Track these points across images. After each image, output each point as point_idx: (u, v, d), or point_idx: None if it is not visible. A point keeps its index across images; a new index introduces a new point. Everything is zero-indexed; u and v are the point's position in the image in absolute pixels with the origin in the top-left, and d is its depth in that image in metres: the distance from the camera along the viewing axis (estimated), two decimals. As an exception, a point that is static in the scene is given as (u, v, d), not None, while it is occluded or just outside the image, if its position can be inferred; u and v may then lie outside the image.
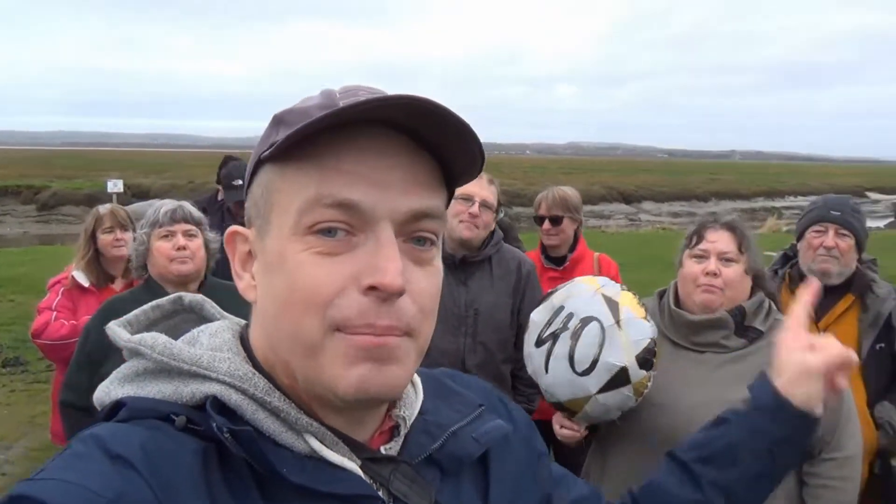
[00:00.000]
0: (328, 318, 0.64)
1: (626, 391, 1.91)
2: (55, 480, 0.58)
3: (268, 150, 0.68)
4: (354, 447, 0.72)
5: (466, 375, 0.95)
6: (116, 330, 0.78)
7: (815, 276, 2.69)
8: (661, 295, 2.25)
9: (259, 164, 0.71)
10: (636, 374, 1.90)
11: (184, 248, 2.39)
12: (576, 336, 1.93)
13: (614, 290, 2.02)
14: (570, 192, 3.52)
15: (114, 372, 0.75)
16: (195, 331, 0.78)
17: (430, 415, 0.79)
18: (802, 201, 46.36)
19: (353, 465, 0.70)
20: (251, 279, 0.73)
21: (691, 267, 2.09)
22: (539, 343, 2.02)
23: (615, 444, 2.12)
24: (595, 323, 1.92)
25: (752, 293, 2.10)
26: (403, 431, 0.76)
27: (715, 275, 2.04)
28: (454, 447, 0.77)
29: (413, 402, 0.79)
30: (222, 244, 3.91)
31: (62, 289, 3.29)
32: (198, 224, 2.49)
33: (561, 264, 3.43)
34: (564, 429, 2.11)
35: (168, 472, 0.60)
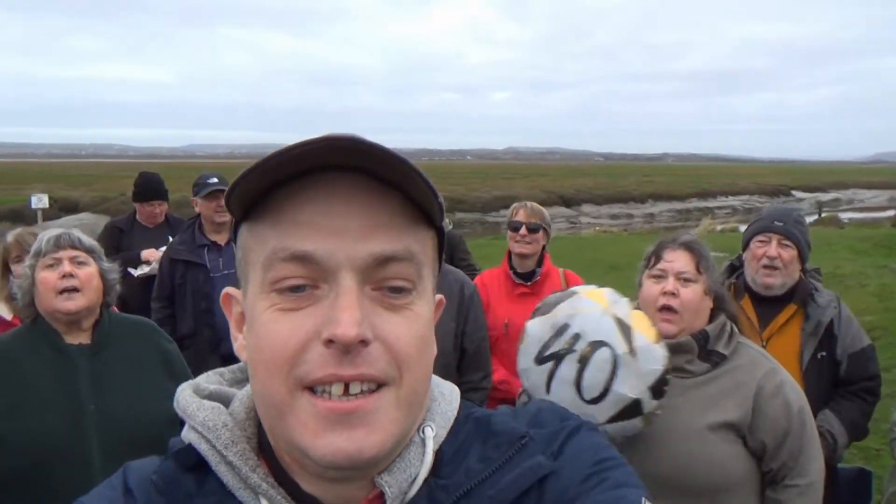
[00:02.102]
0: (293, 376, 0.63)
1: (636, 421, 1.79)
2: (79, 500, 0.71)
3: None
4: None
5: (538, 402, 0.81)
6: (183, 390, 0.77)
7: (759, 288, 2.71)
8: None
9: (237, 229, 0.71)
10: (648, 404, 1.78)
11: (70, 275, 2.09)
12: (584, 361, 1.76)
13: (624, 310, 1.85)
14: (543, 208, 3.56)
15: None
16: None
17: (442, 475, 0.70)
18: (733, 201, 48.14)
19: None
20: (243, 339, 0.71)
21: (650, 288, 2.05)
22: (540, 361, 1.85)
23: None
24: (606, 349, 1.76)
25: (713, 315, 2.06)
26: (390, 501, 0.67)
27: (673, 294, 1.99)
28: None
29: (411, 464, 0.69)
30: (125, 273, 3.58)
31: None
32: (89, 251, 2.19)
33: (530, 279, 3.39)
34: None
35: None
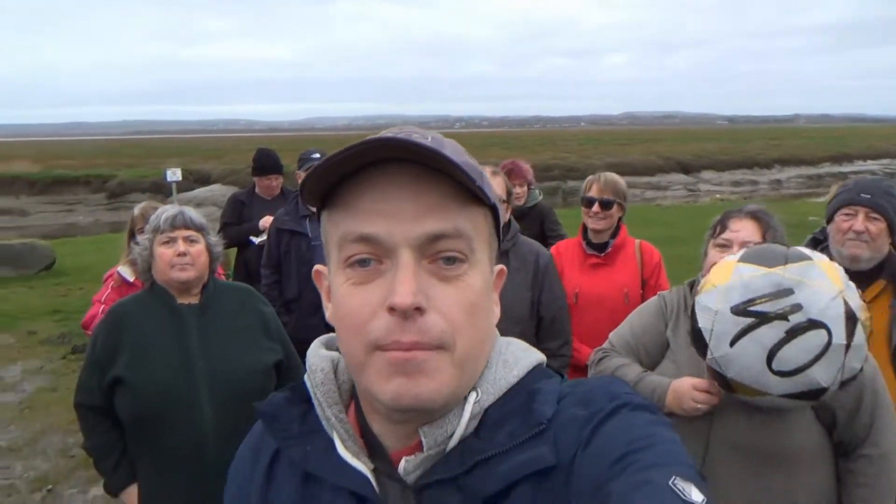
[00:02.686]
0: (366, 340, 0.73)
1: (812, 402, 1.76)
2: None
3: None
4: (378, 454, 0.81)
5: (598, 380, 0.83)
6: (316, 342, 0.92)
7: (845, 261, 2.63)
8: (692, 285, 2.19)
9: (319, 215, 0.83)
10: (832, 392, 1.73)
11: (184, 253, 2.43)
12: (793, 333, 1.66)
13: (856, 300, 1.73)
14: (620, 179, 3.49)
15: None
16: None
17: (481, 438, 0.78)
18: (873, 165, 44.22)
19: (361, 467, 0.79)
20: (331, 308, 0.83)
21: (714, 256, 2.05)
22: (739, 312, 1.73)
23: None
24: (823, 332, 1.66)
25: None
26: (427, 449, 0.77)
27: None
28: (478, 478, 0.76)
29: (450, 421, 0.78)
30: (248, 242, 3.98)
31: (112, 284, 3.51)
32: (199, 230, 2.51)
33: (603, 250, 3.40)
34: (704, 396, 1.95)
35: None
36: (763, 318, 1.69)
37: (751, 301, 1.72)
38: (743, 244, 2.00)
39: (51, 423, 5.56)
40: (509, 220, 2.90)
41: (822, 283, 1.70)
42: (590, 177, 3.51)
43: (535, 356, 0.86)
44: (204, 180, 32.07)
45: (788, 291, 1.69)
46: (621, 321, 3.16)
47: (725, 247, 2.04)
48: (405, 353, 0.72)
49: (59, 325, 8.11)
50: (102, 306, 3.38)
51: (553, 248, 3.51)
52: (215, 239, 2.60)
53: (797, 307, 1.67)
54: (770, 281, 1.72)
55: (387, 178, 0.74)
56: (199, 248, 2.48)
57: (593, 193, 3.37)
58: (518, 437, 0.76)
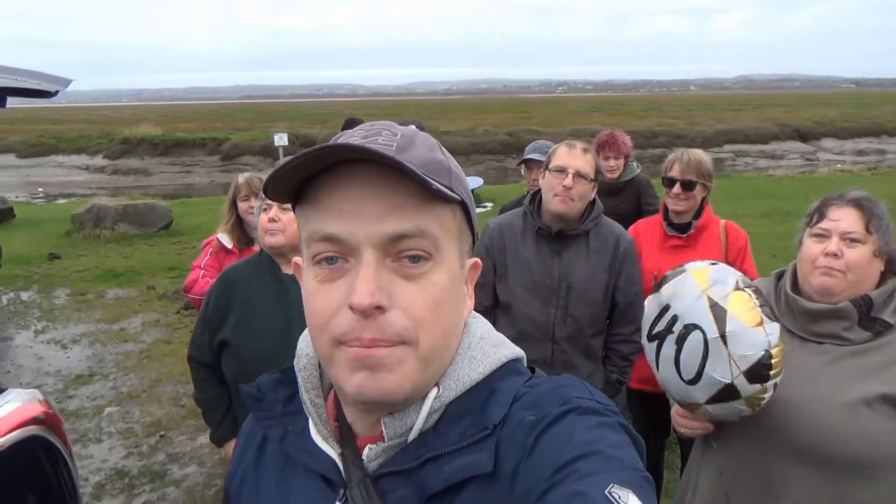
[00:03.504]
0: (330, 335, 0.76)
1: (737, 405, 1.77)
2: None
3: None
4: (346, 441, 0.84)
5: (565, 381, 0.83)
6: None
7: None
8: (779, 277, 2.07)
9: (294, 210, 0.85)
10: (746, 388, 1.73)
11: (274, 220, 2.50)
12: (680, 342, 1.79)
13: (723, 290, 1.77)
14: (705, 156, 3.31)
15: None
16: None
17: (433, 434, 0.80)
18: None
19: (329, 451, 0.84)
20: None
21: (811, 247, 1.91)
22: (649, 338, 1.91)
23: (718, 433, 2.00)
24: (697, 333, 1.75)
25: (883, 280, 1.89)
26: (388, 439, 0.80)
27: (836, 256, 1.84)
28: (427, 474, 0.77)
29: (409, 415, 0.80)
30: None
31: (210, 249, 3.67)
32: None
33: (685, 231, 3.25)
34: (684, 421, 2.01)
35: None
36: (660, 337, 1.85)
37: (651, 325, 1.90)
38: (843, 235, 1.86)
39: (165, 372, 6.05)
40: (594, 199, 2.82)
41: (688, 287, 1.83)
42: (671, 154, 3.34)
43: (505, 352, 0.86)
44: (310, 144, 32.91)
45: (667, 307, 1.85)
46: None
47: (823, 237, 1.89)
48: (366, 349, 0.73)
49: (175, 282, 8.68)
50: (202, 272, 3.56)
51: (632, 228, 3.40)
52: None
53: (674, 318, 1.82)
54: (655, 303, 1.90)
55: (352, 178, 0.75)
56: (291, 215, 2.49)
57: (674, 174, 3.21)
58: (467, 438, 0.78)
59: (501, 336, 0.89)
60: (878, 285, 1.89)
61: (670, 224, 3.30)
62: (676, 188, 3.20)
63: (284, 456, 0.88)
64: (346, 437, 0.84)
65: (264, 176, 3.53)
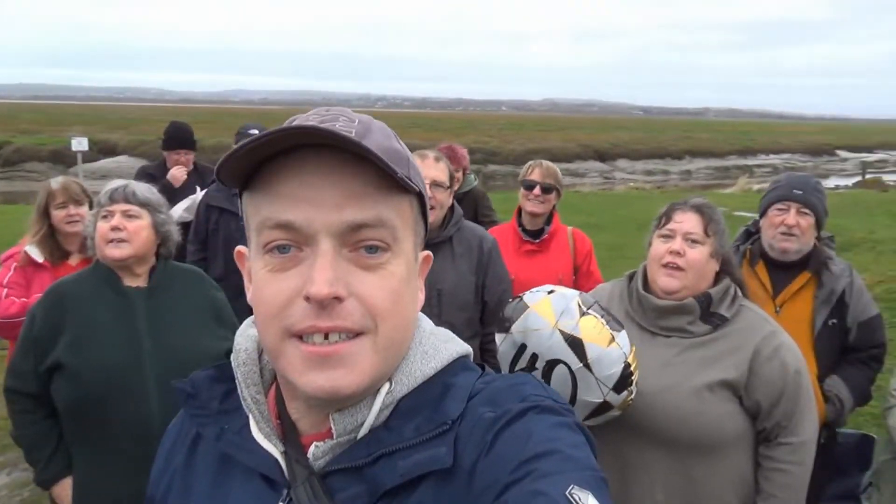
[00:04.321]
0: (282, 327, 0.73)
1: (612, 413, 1.91)
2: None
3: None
4: (290, 439, 0.80)
5: (520, 379, 0.82)
6: (248, 320, 0.90)
7: (776, 254, 2.73)
8: (631, 277, 2.27)
9: (240, 195, 0.80)
10: (616, 399, 1.87)
11: (118, 228, 2.28)
12: (546, 377, 1.87)
13: (572, 321, 1.87)
14: (556, 167, 3.59)
15: None
16: None
17: (389, 429, 0.77)
18: (775, 159, 46.85)
19: (272, 449, 0.79)
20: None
21: (658, 247, 2.12)
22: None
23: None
24: (562, 367, 1.85)
25: (718, 279, 2.12)
26: (336, 436, 0.77)
27: (679, 254, 2.06)
28: (381, 471, 0.75)
29: (360, 410, 0.77)
30: (189, 224, 3.77)
31: (14, 264, 3.16)
32: (143, 205, 2.35)
33: (538, 237, 3.44)
34: None
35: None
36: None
37: (512, 365, 1.93)
38: (685, 235, 2.08)
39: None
40: (453, 205, 2.86)
41: (539, 325, 1.89)
42: (530, 161, 3.60)
43: (456, 348, 0.85)
44: (109, 151, 30.54)
45: (523, 347, 1.90)
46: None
47: (669, 237, 2.11)
48: (324, 348, 0.71)
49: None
50: (6, 290, 3.08)
51: None
52: (165, 217, 2.44)
53: (534, 357, 1.88)
54: (509, 344, 1.95)
55: (310, 164, 0.72)
56: (140, 224, 2.33)
57: (535, 177, 3.43)
58: (423, 434, 0.75)
59: (450, 332, 0.88)
60: (714, 284, 2.12)
61: (524, 230, 3.46)
62: (537, 190, 3.40)
63: (220, 456, 0.84)
64: (289, 434, 0.80)
65: (81, 180, 3.13)
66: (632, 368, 1.88)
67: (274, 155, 0.72)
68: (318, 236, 0.71)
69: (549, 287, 2.03)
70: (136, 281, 2.35)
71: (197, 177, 4.84)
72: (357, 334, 0.73)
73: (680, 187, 28.65)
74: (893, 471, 2.47)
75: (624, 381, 1.86)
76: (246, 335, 0.86)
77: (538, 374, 1.86)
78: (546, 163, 3.52)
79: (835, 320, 2.66)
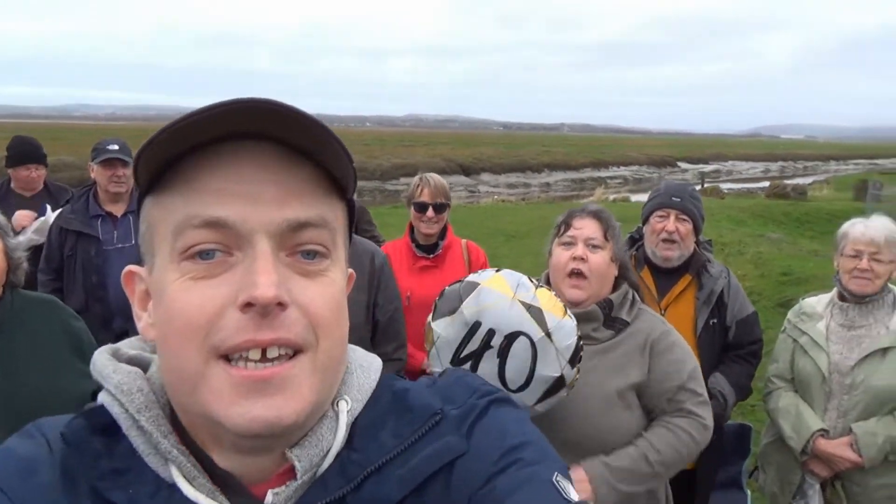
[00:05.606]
0: (207, 345, 0.61)
1: (562, 393, 1.85)
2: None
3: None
4: (233, 490, 0.67)
5: (456, 373, 0.81)
6: (103, 347, 0.76)
7: (658, 260, 2.86)
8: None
9: (140, 202, 0.69)
10: (570, 374, 1.83)
11: None
12: (503, 355, 1.78)
13: (529, 292, 1.84)
14: (442, 179, 3.48)
15: None
16: None
17: (358, 451, 0.69)
18: (625, 171, 50.14)
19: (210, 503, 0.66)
20: (149, 318, 0.70)
21: (560, 254, 2.13)
22: (457, 362, 1.84)
23: None
24: (523, 338, 1.78)
25: (617, 284, 2.16)
26: (300, 475, 0.67)
27: (583, 259, 2.07)
28: (373, 489, 0.67)
29: (323, 437, 0.69)
30: (35, 251, 3.33)
31: None
32: None
33: (432, 252, 3.36)
34: None
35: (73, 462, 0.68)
36: (475, 356, 1.80)
37: (459, 349, 1.83)
38: (587, 241, 2.10)
39: None
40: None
41: (496, 300, 1.82)
42: (416, 180, 3.44)
43: (377, 359, 0.81)
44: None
45: (477, 325, 1.80)
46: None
47: (570, 244, 2.12)
48: (259, 371, 0.61)
49: None
50: None
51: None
52: (15, 242, 2.14)
53: (490, 332, 1.79)
54: (459, 324, 1.83)
55: (240, 156, 0.64)
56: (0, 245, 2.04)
57: (426, 198, 3.31)
58: (407, 438, 0.70)
59: (359, 347, 0.82)
60: (614, 289, 2.16)
61: (418, 246, 3.37)
62: (430, 212, 3.30)
63: None
64: (230, 485, 0.67)
65: None
66: (582, 343, 1.86)
67: (198, 147, 0.63)
68: (255, 237, 0.62)
69: (491, 269, 1.97)
70: None
71: (49, 197, 4.36)
72: (296, 353, 0.63)
73: (542, 199, 29.87)
74: (776, 452, 2.64)
75: (576, 354, 1.83)
76: (125, 371, 0.70)
77: (493, 352, 1.78)
78: (433, 179, 3.40)
79: (715, 320, 2.81)
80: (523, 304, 1.80)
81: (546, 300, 1.84)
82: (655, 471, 1.96)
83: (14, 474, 0.66)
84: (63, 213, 3.74)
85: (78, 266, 3.56)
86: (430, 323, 1.91)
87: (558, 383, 1.81)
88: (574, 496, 0.67)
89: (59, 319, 2.20)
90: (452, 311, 1.86)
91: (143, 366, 0.73)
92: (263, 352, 0.61)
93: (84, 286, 3.52)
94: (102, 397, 0.69)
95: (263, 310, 0.60)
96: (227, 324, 0.61)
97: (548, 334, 1.78)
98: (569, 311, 1.88)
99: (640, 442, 1.98)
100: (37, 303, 2.21)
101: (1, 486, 0.65)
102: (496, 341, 1.79)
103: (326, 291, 0.66)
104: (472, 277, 1.94)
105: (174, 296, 0.63)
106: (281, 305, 0.61)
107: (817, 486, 2.49)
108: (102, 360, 0.72)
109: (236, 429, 0.62)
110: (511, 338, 1.78)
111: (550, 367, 1.79)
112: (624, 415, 2.01)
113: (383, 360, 2.77)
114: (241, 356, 0.61)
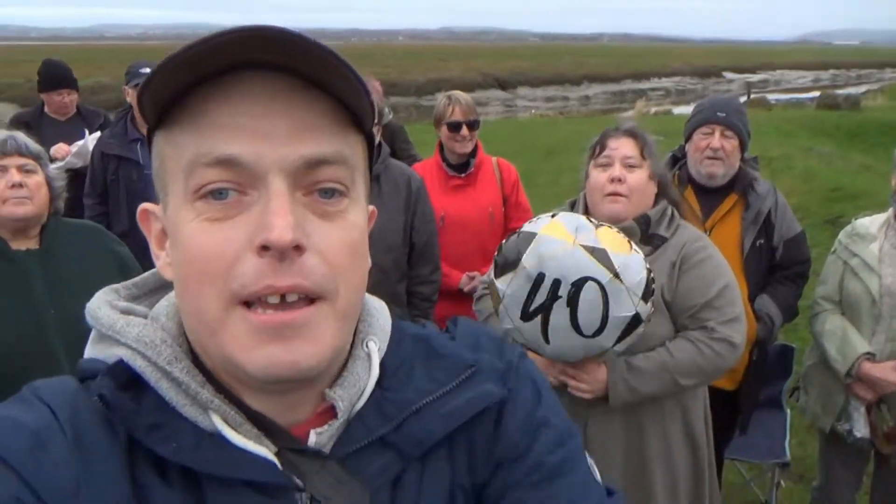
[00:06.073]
0: (227, 290, 0.59)
1: (639, 329, 1.81)
2: None
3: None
4: (274, 433, 0.66)
5: (470, 324, 0.81)
6: (93, 301, 0.73)
7: (703, 179, 2.76)
8: (572, 206, 2.23)
9: (150, 136, 0.66)
10: (645, 310, 1.78)
11: (20, 185, 2.05)
12: (573, 303, 1.73)
13: (590, 235, 1.77)
14: (468, 96, 3.39)
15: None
16: (168, 296, 0.73)
17: (392, 390, 0.70)
18: (667, 82, 48.34)
19: (261, 450, 0.65)
20: (166, 256, 0.67)
21: (597, 176, 2.09)
22: (527, 317, 1.80)
23: None
24: (591, 283, 1.72)
25: (656, 201, 2.12)
26: (342, 414, 0.67)
27: (620, 180, 2.04)
28: (414, 428, 0.68)
29: (359, 377, 0.69)
30: (71, 179, 3.38)
31: None
32: (36, 158, 2.12)
33: (464, 171, 3.31)
34: (575, 383, 1.98)
35: (83, 429, 0.62)
36: (544, 309, 1.75)
37: (526, 304, 1.78)
38: (623, 160, 2.05)
39: None
40: (379, 142, 2.70)
41: (557, 248, 1.75)
42: (442, 99, 3.35)
43: (383, 302, 0.80)
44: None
45: (541, 276, 1.74)
46: (487, 242, 3.15)
47: (607, 165, 2.08)
48: (280, 315, 0.59)
49: None
50: None
51: None
52: (55, 171, 2.20)
53: (557, 283, 1.73)
54: (523, 277, 1.78)
55: (251, 89, 0.60)
56: (38, 179, 2.10)
57: (458, 117, 3.23)
58: (445, 383, 0.71)
59: None
60: (653, 206, 2.11)
61: (449, 165, 3.32)
62: (464, 130, 3.22)
63: (185, 477, 0.63)
64: (272, 429, 0.66)
65: None
66: (653, 276, 1.81)
67: (204, 79, 0.59)
68: (269, 175, 0.59)
69: (546, 214, 1.92)
70: (25, 243, 2.11)
71: (83, 121, 4.39)
72: (314, 299, 0.61)
73: (581, 113, 29.14)
74: (819, 374, 2.62)
75: (649, 288, 1.78)
76: (138, 323, 0.67)
77: (563, 301, 1.73)
78: (462, 96, 3.32)
79: (762, 240, 2.74)
80: (585, 247, 1.74)
81: (609, 239, 1.78)
82: (674, 377, 1.94)
83: (25, 451, 0.60)
84: (102, 138, 3.78)
85: (121, 190, 3.65)
86: (493, 281, 1.87)
87: (634, 321, 1.77)
88: (598, 477, 0.75)
89: (105, 245, 2.27)
90: (514, 266, 1.80)
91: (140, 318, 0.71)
92: (283, 296, 0.60)
93: (129, 210, 3.58)
94: (118, 352, 0.67)
95: (281, 254, 0.58)
96: (246, 269, 0.59)
97: (616, 275, 1.72)
98: (634, 245, 1.81)
99: (660, 350, 1.97)
100: (80, 229, 2.29)
101: (12, 463, 0.59)
102: (563, 291, 1.73)
103: (347, 236, 0.63)
104: (527, 227, 1.88)
105: (191, 238, 0.61)
106: (298, 249, 0.59)
107: (862, 409, 2.47)
108: (109, 315, 0.69)
109: (257, 373, 0.61)
110: (578, 284, 1.72)
111: (624, 307, 1.74)
112: (659, 333, 1.98)
113: (419, 282, 2.80)
114: (261, 300, 0.59)
